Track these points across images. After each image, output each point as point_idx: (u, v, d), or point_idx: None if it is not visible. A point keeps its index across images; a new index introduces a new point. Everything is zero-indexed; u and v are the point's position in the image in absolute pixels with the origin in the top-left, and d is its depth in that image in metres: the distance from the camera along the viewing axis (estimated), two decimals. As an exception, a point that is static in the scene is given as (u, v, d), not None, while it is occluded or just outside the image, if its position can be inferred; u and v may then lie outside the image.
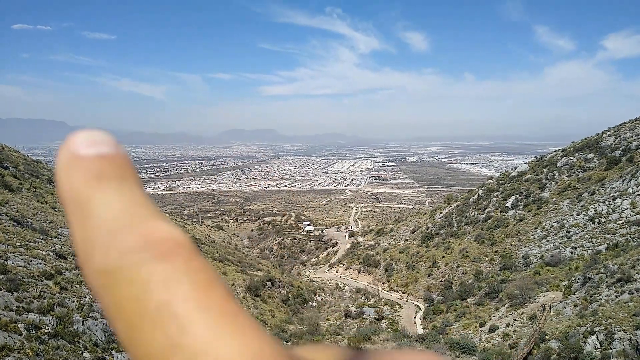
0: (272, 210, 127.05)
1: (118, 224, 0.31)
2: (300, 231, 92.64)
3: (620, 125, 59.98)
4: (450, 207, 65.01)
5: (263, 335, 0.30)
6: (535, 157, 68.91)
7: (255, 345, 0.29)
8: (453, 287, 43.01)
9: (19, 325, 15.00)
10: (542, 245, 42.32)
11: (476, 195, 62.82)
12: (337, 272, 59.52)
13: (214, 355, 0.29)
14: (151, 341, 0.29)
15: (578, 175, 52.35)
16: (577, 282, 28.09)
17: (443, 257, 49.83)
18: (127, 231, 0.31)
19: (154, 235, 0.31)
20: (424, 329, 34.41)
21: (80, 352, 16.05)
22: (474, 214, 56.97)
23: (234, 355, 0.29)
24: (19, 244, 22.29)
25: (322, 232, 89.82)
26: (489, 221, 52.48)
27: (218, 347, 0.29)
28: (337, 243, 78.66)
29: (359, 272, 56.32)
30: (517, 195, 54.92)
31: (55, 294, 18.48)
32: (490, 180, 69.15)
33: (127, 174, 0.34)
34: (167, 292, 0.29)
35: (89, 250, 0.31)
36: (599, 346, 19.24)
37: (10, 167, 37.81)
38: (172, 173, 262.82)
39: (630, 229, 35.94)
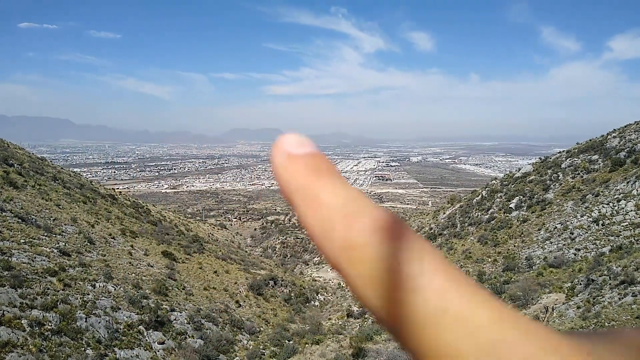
0: (276, 209, 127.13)
1: (349, 210, 0.37)
2: (303, 230, 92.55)
3: (625, 126, 59.66)
4: (454, 208, 64.86)
5: (501, 303, 0.35)
6: (540, 158, 68.62)
7: (509, 314, 0.34)
8: (456, 288, 42.91)
9: (22, 322, 15.09)
10: (546, 246, 42.18)
11: (480, 196, 62.65)
12: (339, 271, 59.46)
13: (475, 320, 0.34)
14: (411, 306, 0.35)
15: (582, 176, 52.15)
16: (580, 284, 27.99)
17: (446, 257, 49.62)
18: (360, 215, 0.36)
19: (382, 219, 0.36)
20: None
21: (83, 348, 16.12)
22: (478, 215, 56.84)
23: (490, 320, 0.34)
24: (23, 241, 22.41)
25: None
26: (493, 222, 52.35)
27: (476, 314, 0.34)
28: (340, 243, 78.60)
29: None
30: (521, 197, 54.75)
31: (58, 291, 18.57)
32: (494, 181, 68.92)
33: (333, 169, 0.41)
34: (416, 266, 0.35)
35: (328, 231, 0.37)
36: (601, 348, 19.15)
37: (15, 165, 38.00)
38: (176, 171, 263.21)
39: (634, 231, 35.76)
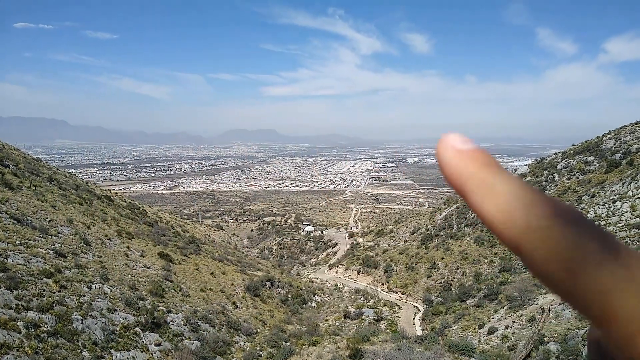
0: (272, 211, 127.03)
1: (527, 199, 0.43)
2: (300, 231, 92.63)
3: (620, 128, 59.97)
4: (450, 209, 64.96)
5: None
6: (536, 160, 68.94)
7: None
8: (452, 289, 43.00)
9: (18, 324, 15.01)
10: (542, 247, 42.31)
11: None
12: (336, 272, 59.50)
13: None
14: (595, 278, 0.40)
15: (578, 177, 52.36)
16: (577, 285, 28.04)
17: (442, 258, 49.80)
18: (538, 204, 0.43)
19: (561, 207, 0.43)
20: (423, 330, 34.38)
21: (80, 350, 16.06)
22: (474, 216, 56.79)
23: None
24: (19, 242, 22.30)
25: (321, 232, 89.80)
26: (489, 223, 52.43)
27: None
28: (336, 244, 78.64)
29: (358, 273, 56.29)
30: (517, 198, 54.81)
31: (54, 293, 18.49)
32: (490, 182, 68.96)
33: (500, 163, 0.46)
34: (599, 244, 0.41)
35: (509, 217, 0.42)
36: (597, 349, 19.21)
37: (11, 166, 37.83)
38: (172, 172, 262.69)
39: (630, 232, 35.91)
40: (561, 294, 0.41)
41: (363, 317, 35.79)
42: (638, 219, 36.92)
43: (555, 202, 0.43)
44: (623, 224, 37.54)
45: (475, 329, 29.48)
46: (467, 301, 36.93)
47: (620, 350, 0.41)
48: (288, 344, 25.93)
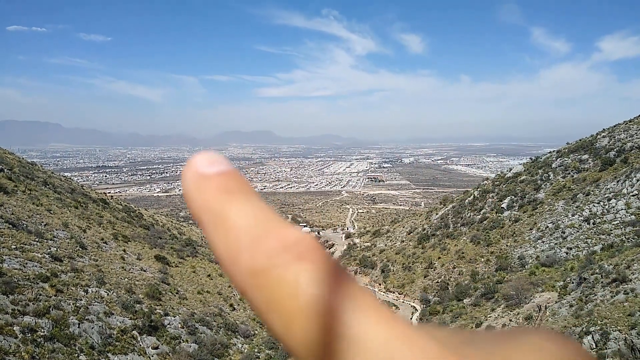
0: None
1: (257, 231, 0.35)
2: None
3: (614, 126, 60.32)
4: (446, 208, 65.13)
5: (405, 322, 0.35)
6: (531, 158, 69.20)
7: (401, 331, 0.34)
8: (449, 288, 43.12)
9: (14, 329, 14.95)
10: (538, 245, 42.49)
11: (472, 197, 62.98)
12: (333, 273, 59.46)
13: (370, 341, 0.34)
14: (309, 331, 0.34)
15: (573, 176, 52.61)
16: (573, 283, 28.21)
17: (439, 258, 49.93)
18: (267, 237, 0.35)
19: (289, 239, 0.35)
20: (420, 330, 34.44)
21: (77, 355, 16.00)
22: (470, 215, 57.12)
23: (386, 340, 0.34)
24: (14, 247, 22.19)
25: (318, 233, 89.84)
26: (485, 222, 52.64)
27: (372, 334, 0.34)
28: (333, 244, 78.70)
29: (355, 274, 56.35)
30: (513, 196, 55.12)
31: (51, 297, 18.42)
32: (485, 182, 69.34)
33: (246, 187, 0.39)
34: (317, 288, 0.34)
35: (234, 255, 0.35)
36: (594, 346, 19.32)
37: (5, 169, 37.62)
38: (168, 175, 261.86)
39: (624, 230, 36.15)
40: (286, 351, 0.34)
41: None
42: (633, 216, 37.16)
43: (288, 233, 0.36)
44: (618, 222, 37.78)
45: (472, 327, 29.54)
46: (464, 300, 37.05)
47: None
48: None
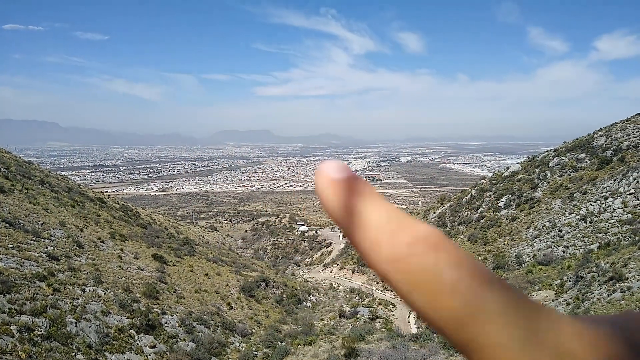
0: (266, 211, 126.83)
1: (392, 227, 0.43)
2: (294, 231, 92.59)
3: (611, 125, 60.47)
4: (444, 207, 65.24)
5: (537, 303, 0.42)
6: (528, 157, 69.29)
7: (536, 311, 0.42)
8: (447, 287, 43.16)
9: (11, 328, 14.91)
10: (535, 244, 42.57)
11: (469, 195, 63.08)
12: (331, 272, 59.55)
13: (511, 314, 0.41)
14: (451, 306, 0.42)
15: (570, 175, 52.74)
16: (570, 281, 28.28)
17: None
18: (403, 230, 0.43)
19: (422, 232, 0.43)
20: (418, 328, 34.50)
21: (74, 354, 15.97)
22: (467, 214, 57.23)
23: (524, 314, 0.42)
24: (11, 246, 22.13)
25: (316, 232, 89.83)
26: (482, 221, 52.73)
27: (513, 309, 0.42)
28: (331, 243, 78.71)
29: (353, 272, 56.38)
30: (510, 195, 55.23)
31: (48, 296, 18.37)
32: (483, 180, 69.45)
33: (372, 189, 0.46)
34: (456, 271, 0.42)
35: (375, 246, 0.42)
36: (591, 344, 19.36)
37: (2, 169, 37.51)
38: (165, 174, 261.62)
39: (621, 228, 36.22)
40: (426, 321, 0.42)
41: (358, 316, 35.85)
42: (630, 215, 37.25)
43: (419, 228, 0.43)
44: (615, 221, 37.87)
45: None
46: (462, 299, 37.09)
47: None
48: (283, 344, 25.93)
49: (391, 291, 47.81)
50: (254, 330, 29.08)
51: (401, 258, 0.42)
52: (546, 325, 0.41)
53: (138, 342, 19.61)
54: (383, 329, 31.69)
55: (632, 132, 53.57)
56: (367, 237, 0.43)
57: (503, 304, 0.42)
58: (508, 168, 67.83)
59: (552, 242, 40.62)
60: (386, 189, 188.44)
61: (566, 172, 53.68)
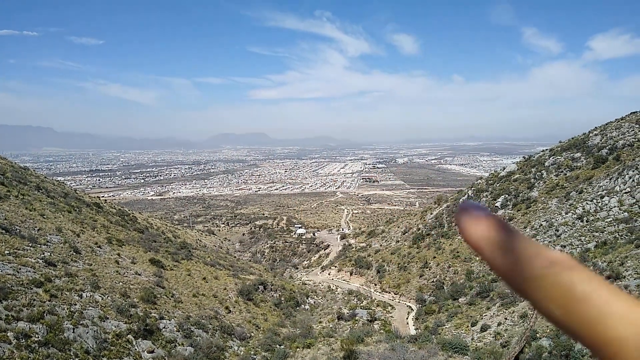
0: (264, 214, 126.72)
1: (529, 252, 0.54)
2: (291, 234, 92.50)
3: (606, 124, 60.75)
4: (441, 208, 65.30)
5: None
6: (524, 157, 69.51)
7: None
8: (445, 287, 43.21)
9: (8, 334, 14.83)
10: (532, 244, 42.63)
11: (466, 196, 63.20)
12: (329, 274, 59.50)
13: (633, 316, 0.51)
14: (584, 312, 0.51)
15: (566, 174, 52.91)
16: (567, 280, 28.32)
17: (434, 257, 50.02)
18: (539, 256, 0.53)
19: (555, 257, 0.53)
20: (416, 329, 34.50)
21: (71, 359, 15.89)
22: (465, 214, 57.24)
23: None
24: (8, 252, 22.04)
25: (313, 234, 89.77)
26: (479, 221, 52.78)
27: (635, 313, 0.51)
28: (328, 245, 78.65)
29: (351, 274, 56.35)
30: (506, 195, 55.38)
31: (45, 302, 18.29)
32: (479, 181, 69.60)
33: (508, 225, 0.59)
34: (588, 286, 0.51)
35: (514, 268, 0.54)
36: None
37: (-3, 175, 37.35)
38: (162, 178, 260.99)
39: (618, 227, 36.33)
40: (559, 326, 0.51)
41: (357, 318, 35.82)
42: (626, 213, 37.39)
43: (552, 253, 0.54)
44: (611, 219, 38.00)
45: (468, 326, 29.65)
46: (460, 299, 37.13)
47: None
48: (282, 347, 25.89)
49: (389, 292, 47.87)
50: (252, 334, 29.02)
51: (538, 277, 0.51)
52: None
53: (136, 348, 19.53)
54: (382, 331, 31.66)
55: (627, 131, 53.81)
56: (506, 261, 0.55)
57: (626, 307, 0.51)
58: (504, 168, 68.01)
59: (549, 242, 40.70)
60: (383, 190, 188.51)
61: (562, 171, 53.87)
